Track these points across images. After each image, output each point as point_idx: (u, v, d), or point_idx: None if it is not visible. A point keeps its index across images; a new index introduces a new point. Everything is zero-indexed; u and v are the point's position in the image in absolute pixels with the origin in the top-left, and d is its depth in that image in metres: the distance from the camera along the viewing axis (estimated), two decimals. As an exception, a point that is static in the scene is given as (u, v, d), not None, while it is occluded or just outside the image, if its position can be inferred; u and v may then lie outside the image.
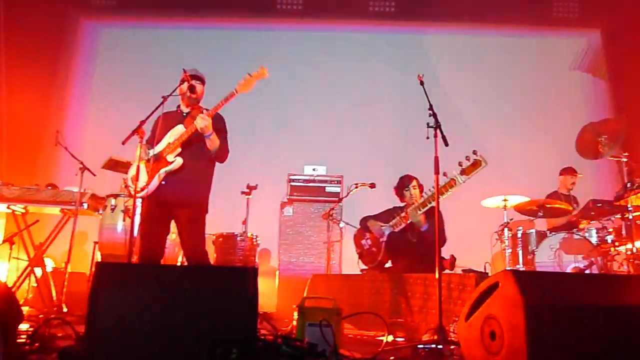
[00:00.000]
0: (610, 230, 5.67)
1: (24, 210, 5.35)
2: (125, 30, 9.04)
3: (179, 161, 3.98)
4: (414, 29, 8.84)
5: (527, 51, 8.68)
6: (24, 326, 3.44)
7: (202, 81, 4.20)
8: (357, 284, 5.06)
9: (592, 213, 5.89)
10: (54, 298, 5.24)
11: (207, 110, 4.11)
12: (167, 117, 4.20)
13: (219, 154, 4.11)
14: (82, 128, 8.46)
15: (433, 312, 3.96)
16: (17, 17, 7.98)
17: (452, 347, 3.15)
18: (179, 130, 4.04)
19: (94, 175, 5.39)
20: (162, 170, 3.99)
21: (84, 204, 5.23)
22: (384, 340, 3.19)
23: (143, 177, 4.01)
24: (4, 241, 5.31)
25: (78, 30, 8.87)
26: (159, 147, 4.06)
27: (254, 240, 6.31)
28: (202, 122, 3.84)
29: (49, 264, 5.84)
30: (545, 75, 8.54)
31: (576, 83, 8.66)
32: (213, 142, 3.98)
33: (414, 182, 5.33)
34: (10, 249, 5.25)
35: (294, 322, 3.21)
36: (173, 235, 4.57)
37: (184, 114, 4.19)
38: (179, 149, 4.00)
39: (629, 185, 4.98)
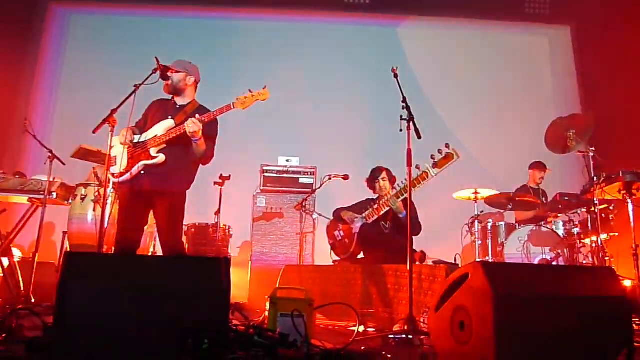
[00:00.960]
0: (577, 223, 5.80)
1: (-10, 199, 5.23)
2: (95, 16, 8.84)
3: (161, 158, 3.91)
4: (388, 22, 8.86)
5: (498, 46, 8.80)
6: (-10, 317, 3.38)
7: (178, 71, 4.10)
8: (329, 275, 5.08)
9: (560, 206, 6.01)
10: (22, 288, 5.14)
11: (203, 107, 4.08)
12: (160, 105, 4.15)
13: (203, 158, 4.05)
14: (51, 116, 8.29)
15: (404, 302, 4.00)
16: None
17: (422, 337, 3.20)
18: (168, 125, 3.97)
19: (64, 164, 5.28)
20: (142, 163, 3.93)
21: (52, 193, 5.13)
22: (356, 331, 3.21)
23: (121, 162, 3.95)
24: (-31, 230, 5.18)
25: (47, 16, 8.66)
26: (146, 136, 3.99)
27: (227, 231, 6.28)
28: (193, 127, 3.76)
29: (17, 254, 5.72)
30: (516, 70, 8.66)
31: (546, 78, 8.81)
32: (199, 147, 3.92)
33: (384, 174, 5.35)
34: (-24, 238, 5.13)
35: (266, 313, 3.21)
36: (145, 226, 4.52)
37: (178, 106, 4.12)
38: (164, 145, 3.94)
39: (595, 179, 5.09)
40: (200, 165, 4.15)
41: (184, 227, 5.95)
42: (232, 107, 3.87)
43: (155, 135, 3.96)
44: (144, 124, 4.12)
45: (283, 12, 8.74)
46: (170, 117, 4.02)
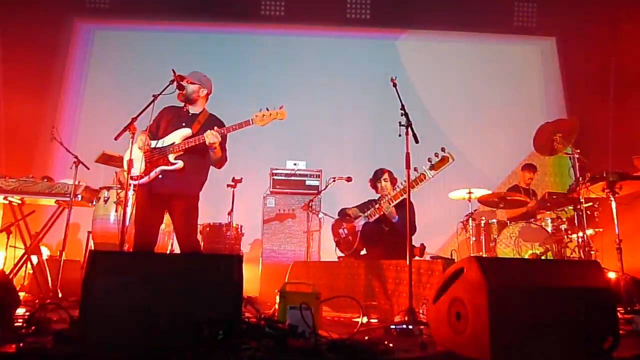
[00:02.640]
0: (564, 219, 5.77)
1: (20, 202, 5.24)
2: (117, 32, 8.86)
3: (180, 164, 3.92)
4: (388, 35, 8.85)
5: (490, 56, 8.77)
6: (20, 311, 3.39)
7: (193, 82, 4.11)
8: (335, 270, 5.07)
9: (548, 204, 5.98)
10: (50, 284, 5.15)
11: (214, 116, 4.10)
12: (172, 112, 4.14)
13: (219, 163, 4.09)
14: (76, 124, 8.31)
15: (404, 295, 3.98)
16: (13, 18, 7.79)
17: (422, 327, 3.17)
18: (185, 133, 3.98)
19: (88, 168, 5.30)
20: (162, 168, 3.93)
21: (78, 196, 5.14)
22: (360, 322, 3.19)
23: (139, 166, 3.95)
24: (1, 231, 5.18)
25: (73, 32, 8.68)
26: (163, 142, 3.99)
27: (239, 229, 6.28)
28: (213, 138, 3.82)
29: (45, 252, 5.73)
30: (507, 78, 8.63)
31: (534, 86, 8.77)
32: (216, 154, 3.97)
33: (386, 175, 5.36)
34: (8, 238, 5.14)
35: (276, 306, 3.19)
36: (163, 225, 4.51)
37: (190, 114, 4.12)
38: (182, 152, 3.95)
39: (580, 179, 5.06)
40: (215, 168, 4.16)
41: (199, 226, 5.99)
42: (250, 122, 3.90)
43: (173, 143, 3.96)
44: (157, 129, 4.09)
45: (290, 27, 8.73)
46: (184, 125, 4.03)
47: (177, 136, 3.99)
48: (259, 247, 6.74)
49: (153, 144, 4.00)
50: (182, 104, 4.14)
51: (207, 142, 3.83)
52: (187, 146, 3.92)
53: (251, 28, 8.77)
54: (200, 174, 4.10)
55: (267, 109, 3.91)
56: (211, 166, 4.15)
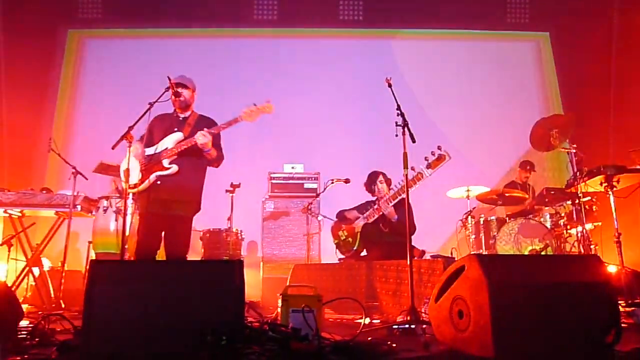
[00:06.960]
0: (563, 215, 5.78)
1: (20, 214, 5.24)
2: (111, 41, 8.87)
3: (175, 168, 3.95)
4: (381, 35, 8.88)
5: (485, 54, 8.79)
6: (24, 323, 3.38)
7: (187, 87, 4.14)
8: (336, 272, 5.07)
9: (546, 200, 5.99)
10: (52, 295, 5.15)
11: (204, 117, 4.13)
12: (163, 119, 4.15)
13: (215, 163, 4.13)
14: (73, 135, 8.31)
15: (405, 295, 3.98)
16: (8, 31, 7.80)
17: (424, 326, 3.18)
18: (177, 137, 4.01)
19: (86, 179, 5.31)
20: (157, 174, 3.94)
21: (77, 206, 5.14)
22: (362, 323, 3.20)
23: (136, 175, 3.96)
24: (2, 243, 5.19)
25: (67, 42, 8.70)
26: (156, 149, 4.02)
27: (239, 234, 6.29)
28: (203, 139, 3.86)
29: (46, 264, 5.73)
30: (501, 75, 8.64)
31: (529, 81, 8.79)
32: (211, 155, 4.01)
33: (381, 177, 5.36)
34: (9, 250, 5.15)
35: (279, 309, 3.20)
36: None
37: (181, 118, 4.14)
38: (175, 156, 3.97)
39: (578, 173, 5.08)
40: (213, 168, 4.20)
41: (199, 232, 6.00)
42: (239, 119, 3.92)
43: (166, 148, 3.98)
44: (150, 137, 4.12)
45: (284, 30, 8.76)
46: (176, 130, 4.05)
47: (170, 141, 4.01)
48: (260, 252, 6.74)
49: (147, 151, 4.02)
50: (172, 110, 4.17)
51: (198, 144, 3.86)
52: (179, 149, 3.94)
53: (244, 32, 8.79)
54: (197, 175, 4.13)
55: (255, 105, 3.95)
56: (209, 167, 4.18)
